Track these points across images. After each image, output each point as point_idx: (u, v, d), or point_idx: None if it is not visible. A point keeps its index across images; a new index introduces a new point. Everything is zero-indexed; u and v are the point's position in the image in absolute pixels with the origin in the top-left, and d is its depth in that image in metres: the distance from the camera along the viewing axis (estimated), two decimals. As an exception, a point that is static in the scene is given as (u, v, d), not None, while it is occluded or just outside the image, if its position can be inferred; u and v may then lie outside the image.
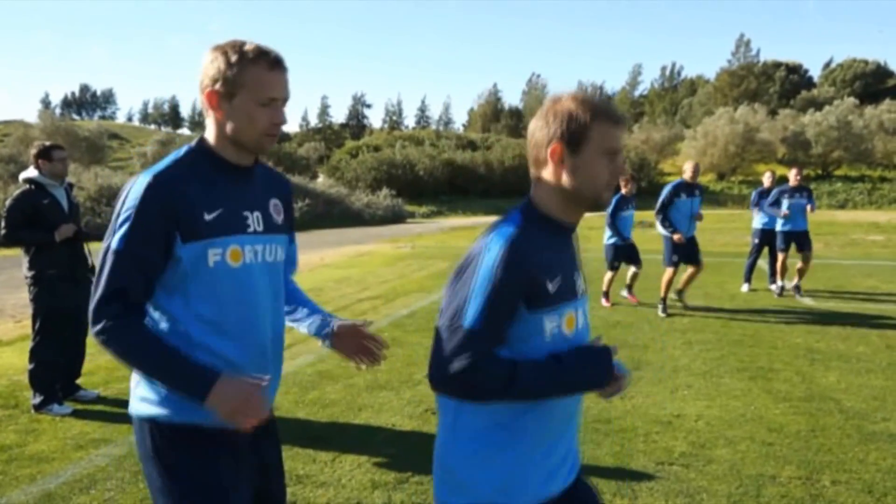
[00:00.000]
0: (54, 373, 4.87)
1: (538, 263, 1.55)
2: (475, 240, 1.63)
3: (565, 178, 1.59)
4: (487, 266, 1.51)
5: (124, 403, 4.87)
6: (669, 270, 8.30)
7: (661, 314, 8.18)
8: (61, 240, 4.74)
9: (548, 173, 1.61)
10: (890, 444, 4.18)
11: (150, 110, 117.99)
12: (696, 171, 8.43)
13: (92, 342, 5.39)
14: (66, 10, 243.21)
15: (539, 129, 1.61)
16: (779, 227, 9.73)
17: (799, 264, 9.72)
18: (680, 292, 8.59)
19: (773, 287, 9.82)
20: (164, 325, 1.72)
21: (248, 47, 1.69)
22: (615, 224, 8.63)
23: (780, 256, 9.69)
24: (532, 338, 1.57)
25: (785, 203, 9.56)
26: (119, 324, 1.64)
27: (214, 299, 1.71)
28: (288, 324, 2.05)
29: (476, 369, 1.49)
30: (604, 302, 8.88)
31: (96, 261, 5.17)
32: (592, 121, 1.56)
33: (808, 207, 9.62)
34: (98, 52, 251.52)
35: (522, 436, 1.60)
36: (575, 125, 1.56)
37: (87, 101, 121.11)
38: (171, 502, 1.73)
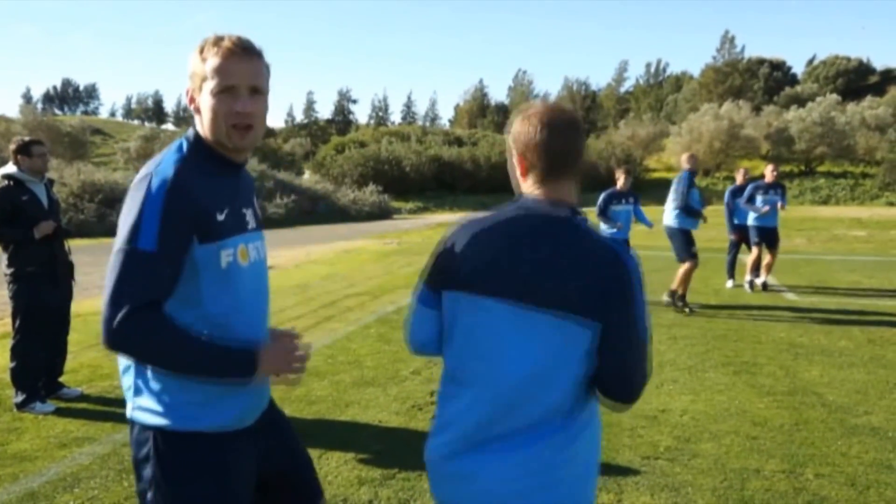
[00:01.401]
0: (36, 371, 4.82)
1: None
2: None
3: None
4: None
5: (107, 401, 4.88)
6: (689, 263, 8.18)
7: (686, 311, 8.06)
8: (41, 237, 4.68)
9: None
10: (872, 438, 4.23)
11: (133, 105, 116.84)
12: (693, 162, 8.51)
13: (74, 340, 5.37)
14: (48, 3, 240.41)
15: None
16: (750, 221, 9.81)
17: (767, 259, 9.81)
18: (673, 292, 8.57)
19: (731, 284, 9.99)
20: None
21: (211, 39, 1.67)
22: (607, 216, 8.59)
23: (755, 251, 9.76)
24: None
25: (760, 199, 9.66)
26: (143, 329, 1.55)
27: (225, 299, 1.68)
28: None
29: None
30: None
31: (75, 258, 5.02)
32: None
33: (780, 205, 9.69)
34: (81, 46, 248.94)
35: None
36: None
37: (70, 96, 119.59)
38: None
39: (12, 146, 4.81)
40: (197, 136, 1.73)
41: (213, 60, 1.64)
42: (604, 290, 1.50)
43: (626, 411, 1.63)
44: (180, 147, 1.71)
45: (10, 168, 4.78)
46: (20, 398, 4.75)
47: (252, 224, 1.81)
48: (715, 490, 3.54)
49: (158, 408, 1.68)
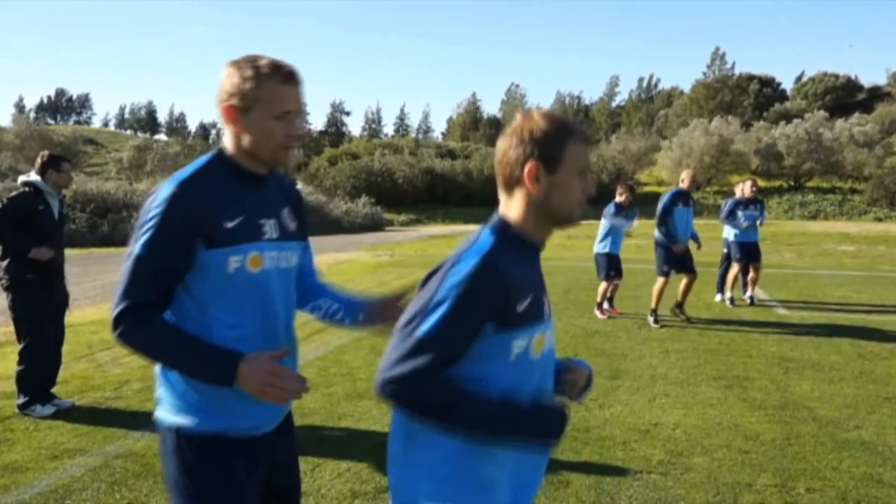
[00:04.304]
0: (41, 374, 4.90)
1: (510, 282, 1.51)
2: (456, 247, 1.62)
3: (541, 197, 1.57)
4: (456, 278, 1.48)
5: (99, 413, 4.86)
6: (661, 280, 8.30)
7: (653, 325, 8.16)
8: (32, 258, 4.75)
9: (522, 192, 1.58)
10: (862, 452, 4.26)
11: (126, 115, 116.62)
12: (693, 180, 8.53)
13: (65, 350, 5.36)
14: (42, 14, 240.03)
15: (512, 148, 1.57)
16: (731, 237, 9.89)
17: (751, 274, 9.89)
18: (679, 305, 8.59)
19: (720, 297, 10.03)
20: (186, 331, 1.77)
21: (262, 62, 1.74)
22: (611, 233, 8.61)
23: (736, 266, 9.81)
24: (498, 358, 1.53)
25: (741, 214, 9.73)
26: (140, 326, 1.68)
27: (234, 305, 1.77)
28: (325, 321, 2.14)
29: (415, 381, 1.45)
30: (598, 314, 8.72)
31: (65, 268, 5.01)
32: (567, 140, 1.55)
33: (759, 221, 9.79)
34: (74, 56, 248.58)
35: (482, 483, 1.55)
36: (551, 144, 1.54)
37: (63, 106, 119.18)
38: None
39: (42, 158, 4.96)
40: (220, 152, 1.84)
41: (268, 85, 1.73)
42: (426, 278, 1.57)
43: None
44: (200, 161, 1.83)
45: (34, 177, 4.90)
46: (22, 400, 4.84)
47: (272, 234, 1.85)
48: (707, 504, 3.55)
49: (180, 406, 1.78)
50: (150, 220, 1.70)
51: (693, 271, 8.41)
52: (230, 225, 1.75)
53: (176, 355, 1.70)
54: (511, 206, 1.61)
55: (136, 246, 1.70)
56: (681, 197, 8.38)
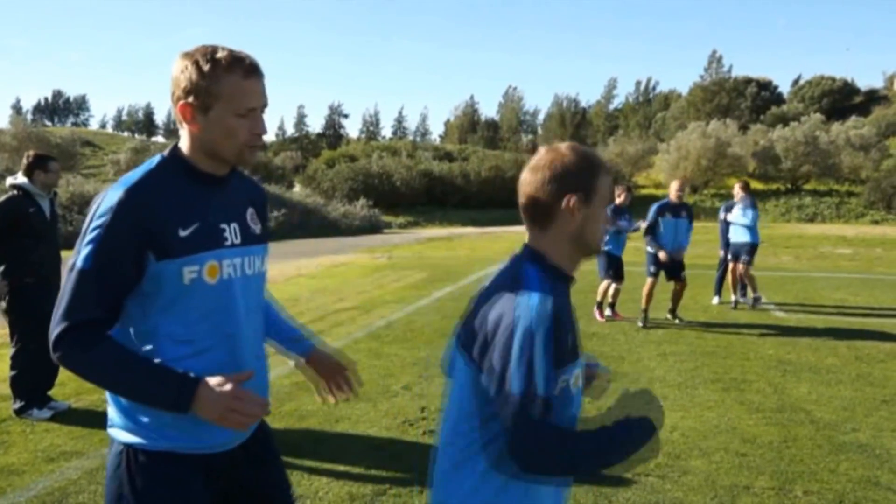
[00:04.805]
0: (36, 378, 4.88)
1: (566, 320, 1.52)
2: (494, 285, 1.59)
3: (577, 229, 1.58)
4: (527, 322, 1.44)
5: (95, 415, 4.85)
6: (649, 281, 8.34)
7: (639, 325, 8.22)
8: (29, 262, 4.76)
9: (557, 225, 1.58)
10: (859, 455, 4.27)
11: (124, 117, 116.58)
12: (681, 190, 8.52)
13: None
14: (40, 15, 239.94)
15: (546, 182, 1.57)
16: (733, 238, 9.89)
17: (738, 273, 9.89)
18: (672, 311, 8.63)
19: (743, 300, 9.99)
20: (134, 347, 1.62)
21: (220, 54, 1.58)
22: (611, 234, 8.60)
23: (737, 267, 9.77)
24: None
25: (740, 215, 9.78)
26: (82, 348, 1.53)
27: (190, 318, 1.63)
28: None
29: (546, 439, 1.42)
30: (597, 315, 8.70)
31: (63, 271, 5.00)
32: (598, 171, 1.59)
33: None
34: (72, 58, 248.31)
35: None
36: (585, 177, 1.57)
37: (60, 108, 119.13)
38: None
39: (28, 159, 4.85)
40: (174, 151, 1.69)
41: (229, 80, 1.58)
42: (488, 332, 1.51)
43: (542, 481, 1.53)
44: (151, 162, 1.68)
45: (21, 179, 4.82)
46: (18, 405, 4.82)
47: (233, 239, 1.70)
48: (705, 507, 3.55)
49: (132, 425, 1.66)
50: (95, 229, 1.54)
51: (681, 279, 8.43)
52: (184, 233, 1.60)
53: (124, 380, 1.55)
54: (544, 239, 1.61)
55: (78, 258, 1.54)
56: (668, 208, 8.41)
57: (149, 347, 1.62)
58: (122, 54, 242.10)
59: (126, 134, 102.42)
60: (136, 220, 1.55)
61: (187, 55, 1.60)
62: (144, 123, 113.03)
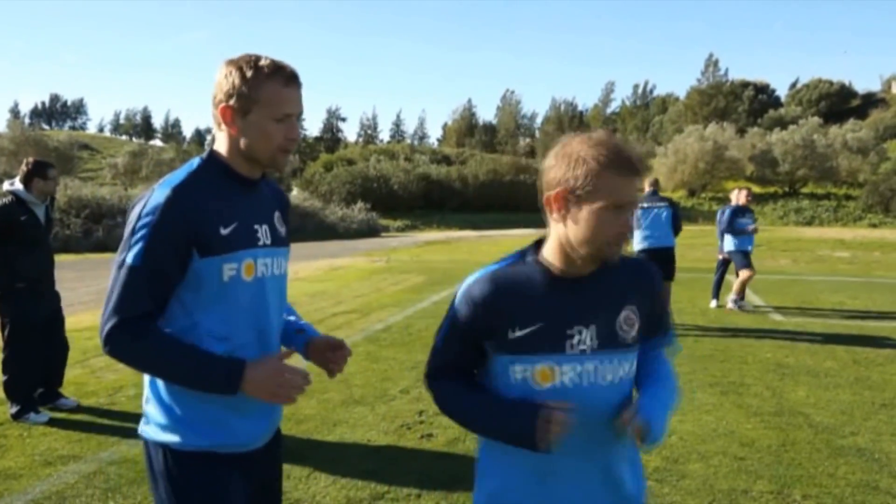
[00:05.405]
0: (30, 382, 4.87)
1: (506, 306, 1.60)
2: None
3: (563, 230, 1.54)
4: (458, 294, 1.66)
5: (93, 419, 4.84)
6: None
7: None
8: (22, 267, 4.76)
9: (552, 219, 1.56)
10: (858, 459, 4.26)
11: (121, 121, 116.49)
12: (654, 185, 8.65)
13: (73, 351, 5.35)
14: (37, 18, 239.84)
15: (551, 169, 1.54)
16: (732, 246, 9.91)
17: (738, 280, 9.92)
18: None
19: (734, 305, 10.01)
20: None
21: (263, 62, 1.68)
22: None
23: (745, 272, 9.80)
24: (497, 379, 1.62)
25: (737, 222, 9.83)
26: (134, 339, 1.62)
27: (228, 314, 1.71)
28: None
29: (429, 380, 1.76)
30: None
31: (61, 274, 5.00)
32: (605, 171, 1.47)
33: (751, 227, 9.83)
34: (70, 62, 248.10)
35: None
36: (580, 173, 1.48)
37: (58, 111, 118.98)
38: None
39: (27, 166, 4.84)
40: (213, 154, 1.77)
41: (269, 86, 1.67)
42: None
43: None
44: (192, 164, 1.76)
45: (17, 185, 4.82)
46: (14, 409, 4.80)
47: (265, 240, 1.80)
48: (704, 510, 3.55)
49: (167, 423, 1.72)
50: (143, 227, 1.62)
51: (670, 276, 8.43)
52: (225, 231, 1.68)
53: (175, 367, 1.63)
54: (549, 231, 1.61)
55: (128, 255, 1.62)
56: (645, 198, 8.52)
57: (195, 338, 1.69)
58: (119, 57, 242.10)
59: (124, 137, 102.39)
60: (183, 218, 1.63)
61: (232, 62, 1.70)
62: (142, 127, 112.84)
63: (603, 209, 1.47)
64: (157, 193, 1.66)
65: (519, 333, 1.55)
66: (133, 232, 1.63)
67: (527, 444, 1.51)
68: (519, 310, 1.56)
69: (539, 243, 1.64)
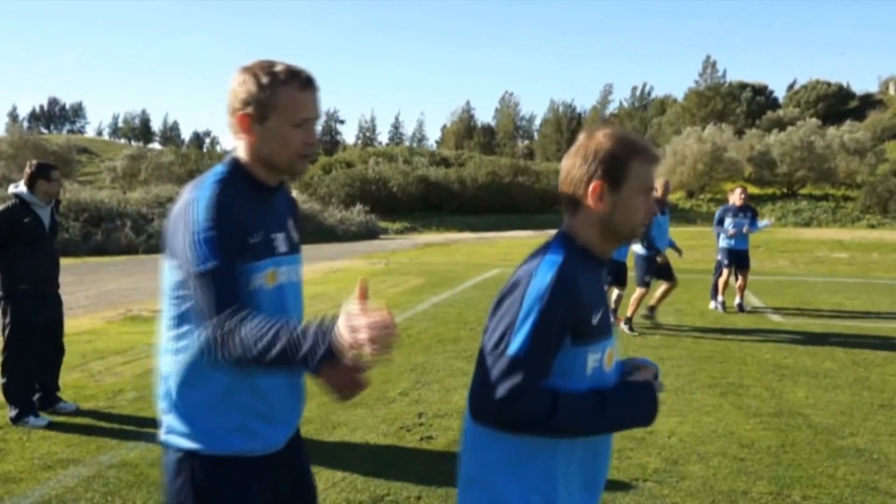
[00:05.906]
0: (29, 386, 4.86)
1: (583, 293, 1.56)
2: (519, 266, 1.64)
3: (605, 215, 1.61)
4: (538, 291, 1.51)
5: (93, 423, 4.83)
6: (640, 290, 8.36)
7: (626, 332, 8.19)
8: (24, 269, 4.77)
9: (586, 209, 1.62)
10: (857, 459, 4.27)
11: (120, 124, 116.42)
12: (665, 189, 8.58)
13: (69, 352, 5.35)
14: (35, 21, 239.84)
15: (576, 168, 1.61)
16: (721, 243, 9.98)
17: (739, 282, 9.95)
18: (652, 308, 8.67)
19: (714, 304, 10.03)
20: (196, 350, 1.66)
21: (278, 68, 1.67)
22: None
23: (724, 272, 9.89)
24: (574, 372, 1.56)
25: (728, 222, 9.87)
26: (235, 331, 1.54)
27: None
28: None
29: (517, 399, 1.47)
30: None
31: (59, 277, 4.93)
32: (632, 159, 1.59)
33: (745, 228, 9.85)
34: (68, 65, 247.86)
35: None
36: (615, 164, 1.58)
37: (56, 115, 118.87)
38: None
39: (30, 168, 4.86)
40: (235, 161, 1.76)
41: (286, 92, 1.66)
42: (503, 293, 1.59)
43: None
44: (219, 171, 1.75)
45: (21, 188, 4.84)
46: (14, 413, 4.79)
47: (283, 248, 1.80)
48: (703, 512, 3.55)
49: (194, 431, 1.72)
50: (208, 230, 1.59)
51: (673, 278, 8.48)
52: (253, 240, 1.69)
53: (275, 346, 1.52)
54: (576, 223, 1.65)
55: (207, 256, 1.58)
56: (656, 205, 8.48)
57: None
58: (118, 61, 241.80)
59: (122, 141, 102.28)
60: (230, 221, 1.63)
61: (246, 69, 1.69)
62: (141, 130, 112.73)
63: (637, 194, 1.61)
64: (202, 198, 1.64)
65: (595, 319, 1.60)
66: (199, 236, 1.59)
67: (649, 422, 1.64)
68: (591, 297, 1.60)
69: (564, 236, 1.66)
